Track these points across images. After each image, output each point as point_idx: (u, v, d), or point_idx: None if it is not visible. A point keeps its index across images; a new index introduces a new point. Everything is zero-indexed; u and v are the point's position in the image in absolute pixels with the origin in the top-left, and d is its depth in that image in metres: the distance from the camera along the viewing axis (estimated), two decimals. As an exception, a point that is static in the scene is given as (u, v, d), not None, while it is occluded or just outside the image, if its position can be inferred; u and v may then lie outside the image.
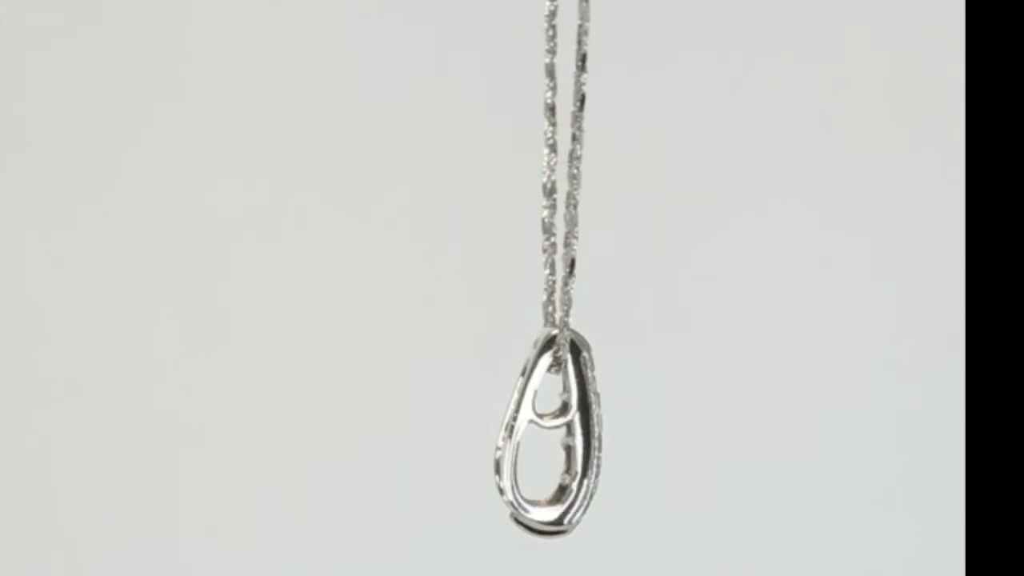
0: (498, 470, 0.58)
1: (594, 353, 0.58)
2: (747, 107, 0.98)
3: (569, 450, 0.59)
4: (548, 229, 0.57)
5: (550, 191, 0.56)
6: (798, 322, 1.00)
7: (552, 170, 0.56)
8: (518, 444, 0.57)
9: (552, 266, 0.58)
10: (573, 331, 0.58)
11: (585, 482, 0.58)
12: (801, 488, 1.01)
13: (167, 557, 0.97)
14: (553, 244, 0.58)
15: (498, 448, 0.58)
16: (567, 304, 0.58)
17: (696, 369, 0.99)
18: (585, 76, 0.56)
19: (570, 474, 0.59)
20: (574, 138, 0.57)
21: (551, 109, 0.56)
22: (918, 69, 0.99)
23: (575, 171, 0.57)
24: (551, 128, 0.56)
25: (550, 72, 0.56)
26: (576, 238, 0.58)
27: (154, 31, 0.95)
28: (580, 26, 0.56)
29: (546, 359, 0.58)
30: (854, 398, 1.00)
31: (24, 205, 0.95)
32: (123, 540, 0.97)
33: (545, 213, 0.57)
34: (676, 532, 1.00)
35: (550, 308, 0.58)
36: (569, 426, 0.59)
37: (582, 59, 0.56)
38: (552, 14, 0.55)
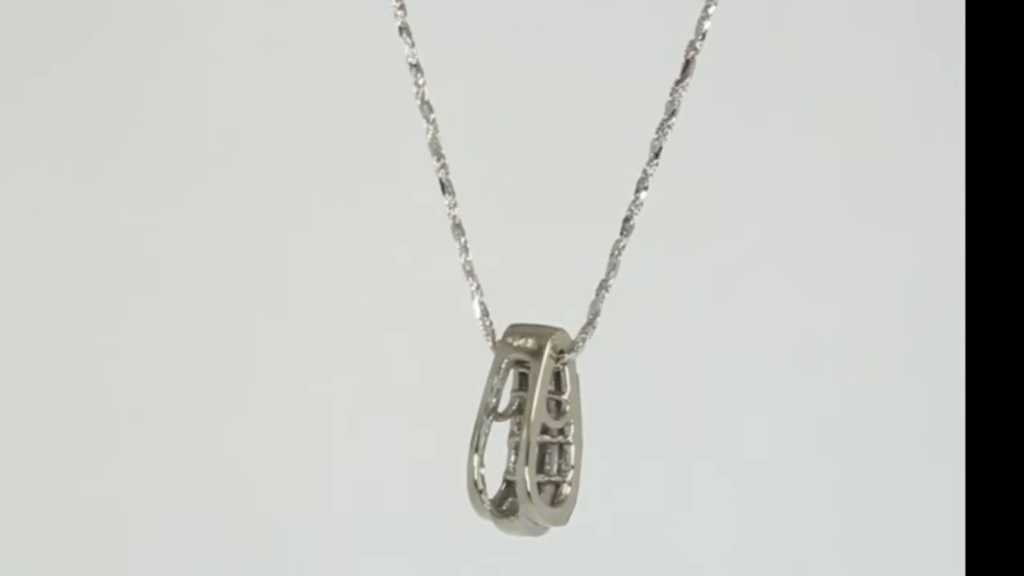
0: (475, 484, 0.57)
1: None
2: (745, 107, 0.98)
3: (562, 448, 0.59)
4: (458, 227, 0.57)
5: (437, 150, 0.56)
6: (797, 322, 1.00)
7: (437, 129, 0.55)
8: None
9: (471, 265, 0.58)
10: (561, 329, 0.58)
11: (577, 479, 0.58)
12: (800, 488, 1.01)
13: (166, 558, 0.97)
14: (465, 243, 0.57)
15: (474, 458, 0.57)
16: (597, 306, 0.58)
17: (694, 369, 0.99)
18: (686, 83, 0.56)
19: (560, 472, 0.58)
20: (657, 149, 0.57)
21: (417, 67, 0.55)
22: (917, 69, 0.99)
23: (646, 183, 0.57)
24: (420, 88, 0.55)
25: (406, 31, 0.55)
26: (628, 236, 0.57)
27: (155, 29, 0.95)
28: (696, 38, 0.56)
29: (550, 362, 0.58)
30: (854, 398, 1.00)
31: (24, 205, 0.95)
32: (124, 541, 0.97)
33: (447, 201, 0.56)
34: (674, 532, 1.00)
35: (481, 308, 0.58)
36: (564, 427, 0.59)
37: (683, 67, 0.56)
38: None
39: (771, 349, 1.00)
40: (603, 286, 0.58)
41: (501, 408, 0.57)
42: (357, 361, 0.98)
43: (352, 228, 0.98)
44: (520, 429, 0.57)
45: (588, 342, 0.58)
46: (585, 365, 0.84)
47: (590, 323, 0.58)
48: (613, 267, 0.57)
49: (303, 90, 0.97)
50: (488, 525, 0.58)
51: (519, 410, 0.57)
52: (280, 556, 0.98)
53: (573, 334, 0.58)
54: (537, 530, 0.58)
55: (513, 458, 0.57)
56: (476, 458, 0.57)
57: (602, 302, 0.57)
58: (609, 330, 0.93)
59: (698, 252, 0.99)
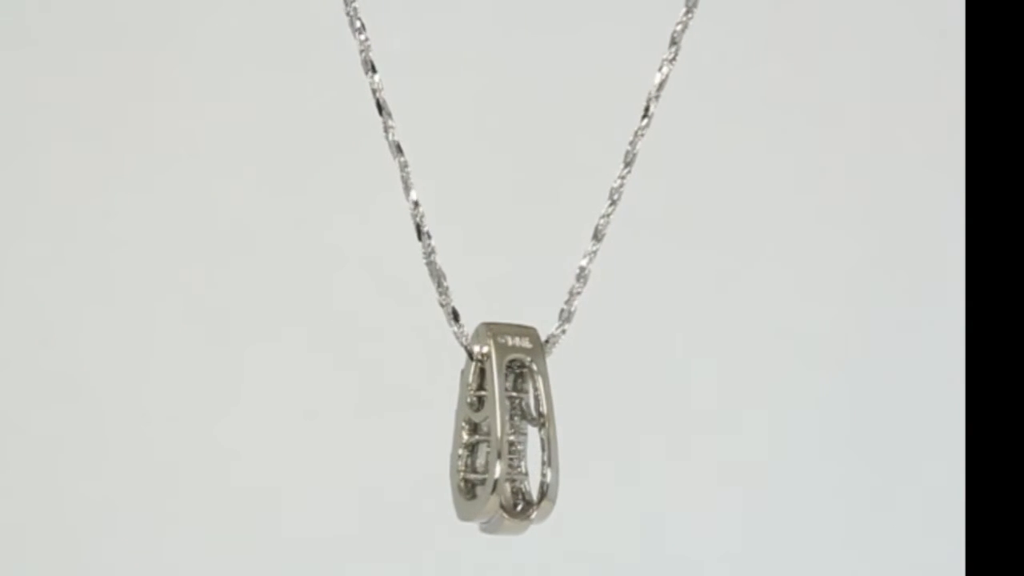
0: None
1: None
2: (745, 108, 0.98)
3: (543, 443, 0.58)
4: (421, 229, 0.57)
5: (398, 150, 0.55)
6: (798, 322, 1.00)
7: (393, 131, 0.55)
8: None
9: (440, 272, 0.57)
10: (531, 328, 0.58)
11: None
12: (801, 488, 1.00)
13: (165, 559, 0.97)
14: (432, 249, 0.57)
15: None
16: (570, 309, 0.58)
17: (693, 369, 0.99)
18: (658, 95, 0.56)
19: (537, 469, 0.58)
20: (629, 156, 0.57)
21: (371, 65, 0.54)
22: (918, 70, 0.99)
23: (619, 193, 0.57)
24: (377, 81, 0.54)
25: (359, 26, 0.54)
26: (600, 243, 0.57)
27: (154, 28, 0.95)
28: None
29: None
30: (853, 398, 1.00)
31: (24, 204, 0.95)
32: (124, 542, 0.97)
33: (412, 199, 0.56)
34: (672, 533, 1.00)
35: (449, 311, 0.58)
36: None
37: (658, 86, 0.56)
38: None
39: (771, 349, 1.00)
40: (573, 291, 0.58)
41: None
42: (356, 360, 0.98)
43: (350, 228, 0.98)
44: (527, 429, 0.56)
45: (559, 343, 0.58)
46: (587, 365, 0.84)
47: (562, 325, 0.57)
48: (583, 272, 0.57)
49: (298, 91, 0.97)
50: (472, 526, 0.58)
51: (480, 406, 0.57)
52: (279, 556, 0.98)
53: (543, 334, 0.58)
54: (523, 528, 0.58)
55: (473, 457, 0.57)
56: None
57: (574, 303, 0.57)
58: (609, 329, 0.93)
59: (698, 252, 0.99)
